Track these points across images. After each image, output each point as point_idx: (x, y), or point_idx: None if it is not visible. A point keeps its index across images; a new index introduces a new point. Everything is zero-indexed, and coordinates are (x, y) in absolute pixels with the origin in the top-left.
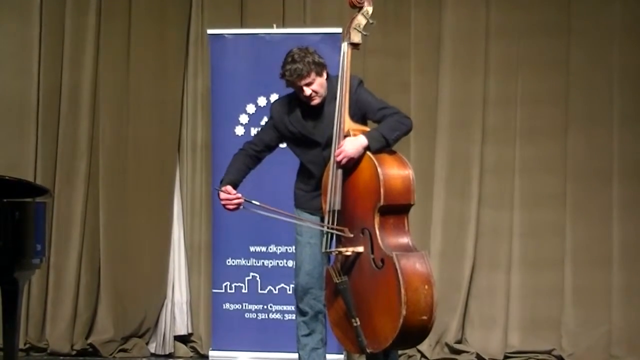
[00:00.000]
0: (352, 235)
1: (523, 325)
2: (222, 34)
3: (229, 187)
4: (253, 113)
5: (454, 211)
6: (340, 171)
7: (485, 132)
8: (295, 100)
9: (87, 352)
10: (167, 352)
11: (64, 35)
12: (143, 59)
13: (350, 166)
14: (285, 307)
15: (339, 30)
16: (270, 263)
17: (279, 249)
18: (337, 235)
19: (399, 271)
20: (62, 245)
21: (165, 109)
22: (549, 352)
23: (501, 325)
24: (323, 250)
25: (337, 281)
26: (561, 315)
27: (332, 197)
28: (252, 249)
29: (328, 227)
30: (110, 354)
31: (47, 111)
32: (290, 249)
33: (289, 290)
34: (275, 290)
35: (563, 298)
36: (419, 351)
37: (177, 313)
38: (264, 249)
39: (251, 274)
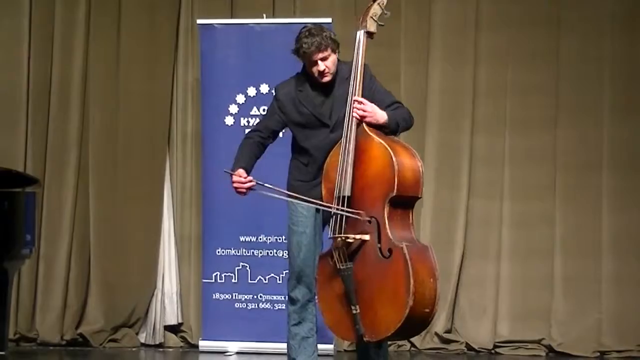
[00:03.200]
0: (368, 219)
1: (513, 315)
2: (212, 24)
3: (241, 171)
4: (243, 103)
5: (443, 201)
6: (351, 156)
7: (475, 122)
8: (302, 81)
9: (77, 342)
10: (157, 342)
11: (54, 27)
12: (133, 49)
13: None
14: (275, 297)
15: (329, 20)
16: (260, 253)
17: (269, 239)
18: (342, 220)
19: (409, 262)
20: (52, 236)
21: (155, 100)
22: (538, 342)
23: (491, 315)
24: (330, 235)
25: (342, 267)
26: (551, 304)
27: (342, 183)
28: (242, 238)
29: (341, 210)
30: (100, 344)
31: (37, 102)
32: (280, 239)
33: (279, 280)
34: (265, 280)
35: (553, 288)
36: (409, 341)
37: (167, 303)
38: (254, 238)
39: (241, 263)
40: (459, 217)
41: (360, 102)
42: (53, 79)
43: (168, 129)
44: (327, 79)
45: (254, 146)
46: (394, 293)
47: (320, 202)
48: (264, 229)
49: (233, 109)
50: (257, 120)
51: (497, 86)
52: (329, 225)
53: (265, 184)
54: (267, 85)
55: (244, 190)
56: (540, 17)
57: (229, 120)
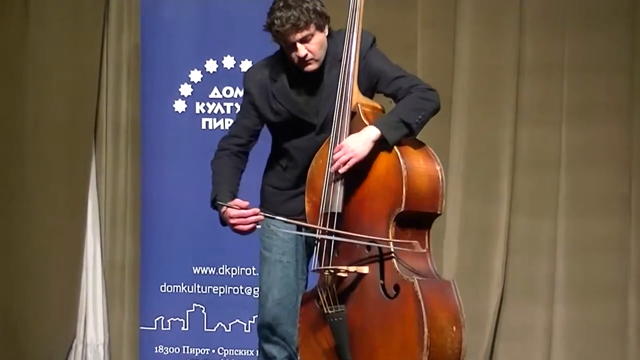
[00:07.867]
0: (366, 245)
1: None
2: None
3: (238, 201)
4: (199, 82)
5: (475, 218)
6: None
7: (520, 110)
8: (278, 65)
9: None
10: None
11: None
12: (47, 9)
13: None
14: (241, 352)
15: None
16: (221, 290)
17: (233, 271)
18: (332, 247)
19: (422, 304)
20: None
21: (77, 77)
22: None
23: None
24: (314, 267)
25: (330, 311)
26: None
27: (330, 195)
28: (195, 270)
29: (328, 232)
30: None
31: None
32: (247, 271)
33: (247, 328)
34: (228, 327)
35: (626, 339)
36: None
37: (91, 358)
38: (212, 270)
39: (194, 305)
40: (497, 240)
41: (336, 155)
42: None
43: (95, 116)
44: (310, 67)
45: (234, 159)
46: (402, 346)
47: (350, 235)
48: (227, 256)
49: (185, 89)
50: (219, 106)
51: (549, 60)
52: (315, 253)
53: (277, 217)
54: (232, 58)
55: (249, 227)
56: None
57: (180, 106)
